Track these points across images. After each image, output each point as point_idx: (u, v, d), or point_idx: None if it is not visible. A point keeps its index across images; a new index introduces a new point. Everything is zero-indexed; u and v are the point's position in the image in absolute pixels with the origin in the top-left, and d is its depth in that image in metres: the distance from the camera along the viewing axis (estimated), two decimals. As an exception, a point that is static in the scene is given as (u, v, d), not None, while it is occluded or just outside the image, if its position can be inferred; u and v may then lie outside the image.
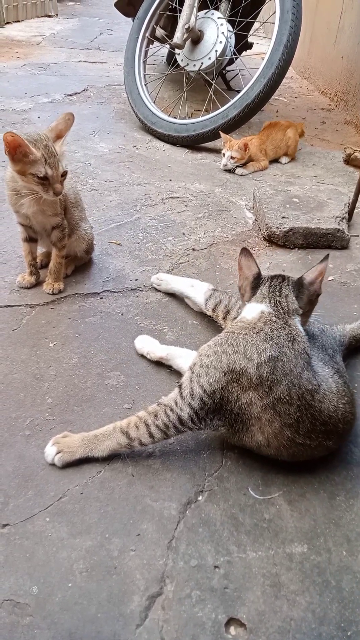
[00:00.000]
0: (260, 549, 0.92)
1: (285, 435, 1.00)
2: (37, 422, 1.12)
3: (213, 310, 1.39)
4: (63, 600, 0.83)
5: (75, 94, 3.47)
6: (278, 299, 1.10)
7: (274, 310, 1.08)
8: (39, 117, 2.98)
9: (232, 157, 2.47)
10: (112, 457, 1.05)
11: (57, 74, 3.90)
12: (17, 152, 1.27)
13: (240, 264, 1.16)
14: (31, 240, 1.51)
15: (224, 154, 2.52)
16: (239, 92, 2.78)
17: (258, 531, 0.95)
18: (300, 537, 0.95)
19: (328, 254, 1.16)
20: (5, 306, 1.45)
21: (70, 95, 3.43)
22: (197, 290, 1.45)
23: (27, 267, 1.54)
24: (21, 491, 0.98)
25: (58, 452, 1.03)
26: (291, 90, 4.08)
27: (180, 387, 1.06)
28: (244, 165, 2.51)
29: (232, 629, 0.82)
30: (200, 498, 1.00)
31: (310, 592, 0.86)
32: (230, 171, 2.52)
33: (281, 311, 1.08)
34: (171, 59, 4.09)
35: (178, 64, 2.83)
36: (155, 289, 1.60)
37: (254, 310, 1.10)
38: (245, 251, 1.15)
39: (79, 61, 4.39)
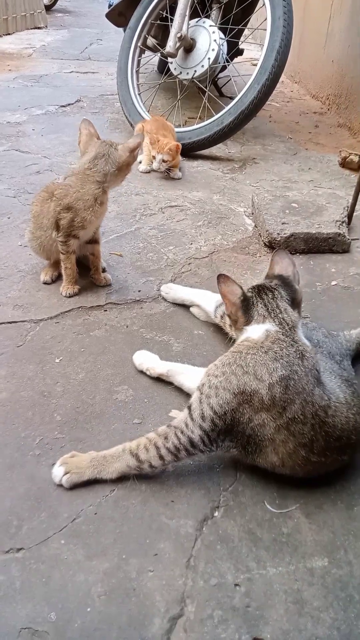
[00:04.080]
0: (281, 564, 0.91)
1: (300, 455, 0.98)
2: (46, 441, 1.11)
3: (221, 317, 1.37)
4: (83, 627, 0.81)
5: (69, 104, 3.47)
6: (280, 316, 1.07)
7: (279, 328, 1.05)
8: (33, 130, 2.98)
9: (164, 161, 2.37)
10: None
11: (50, 86, 3.90)
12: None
13: (223, 292, 1.11)
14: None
15: (154, 157, 2.39)
16: (231, 98, 2.79)
17: (277, 546, 0.94)
18: (320, 550, 0.93)
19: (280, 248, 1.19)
20: (9, 322, 1.44)
21: (63, 106, 3.43)
22: (208, 299, 1.45)
23: (73, 277, 1.57)
24: (34, 513, 0.96)
25: (66, 473, 1.01)
26: (283, 95, 4.10)
27: (189, 408, 1.03)
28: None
29: (256, 650, 0.80)
30: (216, 514, 0.99)
31: (334, 607, 0.85)
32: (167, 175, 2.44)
33: (286, 328, 1.05)
34: (163, 68, 4.10)
35: (171, 73, 2.84)
36: (163, 298, 1.59)
37: (259, 330, 1.06)
38: (222, 277, 1.11)
39: (71, 72, 4.40)
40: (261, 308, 1.08)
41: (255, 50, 5.04)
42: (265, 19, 2.46)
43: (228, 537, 0.95)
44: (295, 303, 1.11)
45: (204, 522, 0.97)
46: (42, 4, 6.38)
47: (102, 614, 0.83)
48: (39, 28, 6.28)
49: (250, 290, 1.13)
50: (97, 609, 0.83)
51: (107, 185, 1.47)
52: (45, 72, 4.30)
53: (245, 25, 2.97)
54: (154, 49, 3.15)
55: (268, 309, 1.08)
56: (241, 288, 1.12)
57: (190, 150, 2.67)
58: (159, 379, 1.28)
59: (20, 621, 0.81)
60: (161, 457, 1.00)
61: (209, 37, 2.64)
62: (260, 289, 1.12)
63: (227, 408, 0.99)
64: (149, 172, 2.51)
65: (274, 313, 1.07)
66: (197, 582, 0.88)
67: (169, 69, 2.85)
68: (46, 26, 6.42)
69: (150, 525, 0.95)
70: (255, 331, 1.07)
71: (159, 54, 3.33)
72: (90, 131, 1.54)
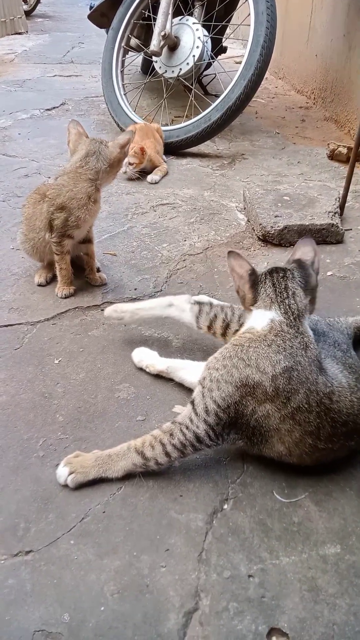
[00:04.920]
0: (293, 553, 0.90)
1: (307, 443, 0.98)
2: (50, 442, 1.09)
3: (209, 328, 1.26)
4: (97, 626, 0.80)
5: (54, 108, 3.46)
6: (287, 301, 1.04)
7: (284, 318, 1.02)
8: (19, 134, 2.95)
9: (130, 164, 2.33)
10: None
11: (34, 90, 3.88)
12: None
13: (231, 266, 1.09)
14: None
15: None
16: (216, 96, 2.79)
17: (289, 535, 0.93)
18: (332, 537, 0.93)
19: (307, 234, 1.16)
20: (5, 325, 1.42)
21: (48, 109, 3.41)
22: (179, 308, 1.28)
23: (68, 278, 1.55)
24: (42, 515, 0.95)
25: (71, 473, 0.99)
26: (267, 91, 4.11)
27: (192, 403, 1.02)
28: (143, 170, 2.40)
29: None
30: (225, 506, 0.98)
31: (349, 593, 0.84)
32: (136, 179, 2.38)
33: (292, 317, 1.02)
34: (147, 69, 4.09)
35: (155, 72, 2.83)
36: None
37: (263, 319, 1.04)
38: (232, 253, 1.08)
39: (54, 76, 4.38)
40: (269, 287, 1.05)
41: (237, 48, 5.05)
42: (248, 15, 2.46)
43: (239, 529, 0.94)
44: (308, 287, 1.07)
45: (213, 515, 0.96)
46: (22, 9, 6.35)
47: (116, 612, 0.81)
48: (19, 33, 6.24)
49: (264, 271, 1.10)
50: (110, 607, 0.82)
51: (100, 183, 1.46)
52: (29, 76, 4.28)
53: (228, 21, 2.97)
54: (137, 49, 3.14)
55: (276, 289, 1.04)
56: (251, 266, 1.09)
57: (179, 148, 2.66)
58: (160, 376, 1.27)
59: (33, 624, 0.79)
60: (167, 454, 0.99)
61: (192, 35, 2.63)
62: (272, 270, 1.09)
63: (230, 401, 0.98)
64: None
65: (281, 297, 1.04)
66: (210, 576, 0.87)
67: (153, 69, 2.85)
68: (27, 31, 6.39)
69: (160, 521, 0.94)
70: (259, 320, 1.04)
71: (143, 54, 3.33)
72: (79, 130, 1.53)
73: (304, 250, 1.15)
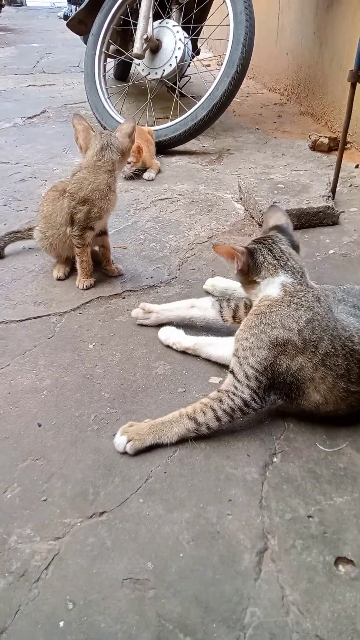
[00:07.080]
0: (345, 494, 0.98)
1: (339, 387, 1.06)
2: (101, 417, 1.15)
3: (234, 317, 1.35)
4: (179, 570, 0.86)
5: (35, 116, 3.49)
6: (289, 263, 1.15)
7: (293, 279, 1.13)
8: (6, 142, 2.98)
9: (128, 162, 2.34)
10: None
11: (11, 100, 3.91)
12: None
13: (226, 251, 1.16)
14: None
15: None
16: (193, 97, 2.89)
17: (337, 479, 1.01)
18: (377, 477, 1.01)
19: (274, 202, 1.27)
20: (35, 317, 1.46)
21: (30, 117, 3.45)
22: (201, 308, 1.39)
23: (89, 270, 1.61)
24: (107, 480, 1.00)
25: (129, 441, 1.05)
26: (240, 91, 4.20)
27: (232, 372, 1.11)
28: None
29: (341, 567, 0.87)
30: (275, 459, 1.05)
31: None
32: (133, 177, 2.44)
33: (299, 276, 1.14)
34: (120, 74, 4.17)
35: (137, 76, 2.91)
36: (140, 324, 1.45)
37: (274, 286, 1.14)
38: (217, 246, 1.16)
39: (28, 86, 4.41)
40: (267, 255, 1.16)
41: (203, 51, 5.18)
42: (227, 16, 2.57)
43: (291, 478, 1.01)
44: (295, 246, 1.20)
45: (265, 468, 1.03)
46: (-15, 23, 6.36)
47: (195, 557, 0.88)
48: (-16, 47, 6.24)
49: (250, 243, 1.21)
50: (188, 553, 0.88)
51: (117, 173, 1.53)
52: (2, 87, 4.29)
53: (204, 23, 3.08)
54: (114, 55, 3.22)
55: (275, 255, 1.15)
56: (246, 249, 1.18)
57: (167, 147, 2.75)
58: (188, 353, 1.34)
59: (120, 574, 0.85)
60: (218, 419, 1.06)
61: (174, 37, 2.73)
62: (259, 240, 1.20)
63: (265, 363, 1.07)
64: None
65: (282, 260, 1.15)
66: (273, 519, 0.94)
67: (127, 74, 2.91)
68: (-9, 44, 6.39)
69: (217, 476, 1.01)
70: (272, 287, 1.14)
71: (117, 60, 3.40)
72: (85, 125, 1.58)
73: (277, 217, 1.27)
